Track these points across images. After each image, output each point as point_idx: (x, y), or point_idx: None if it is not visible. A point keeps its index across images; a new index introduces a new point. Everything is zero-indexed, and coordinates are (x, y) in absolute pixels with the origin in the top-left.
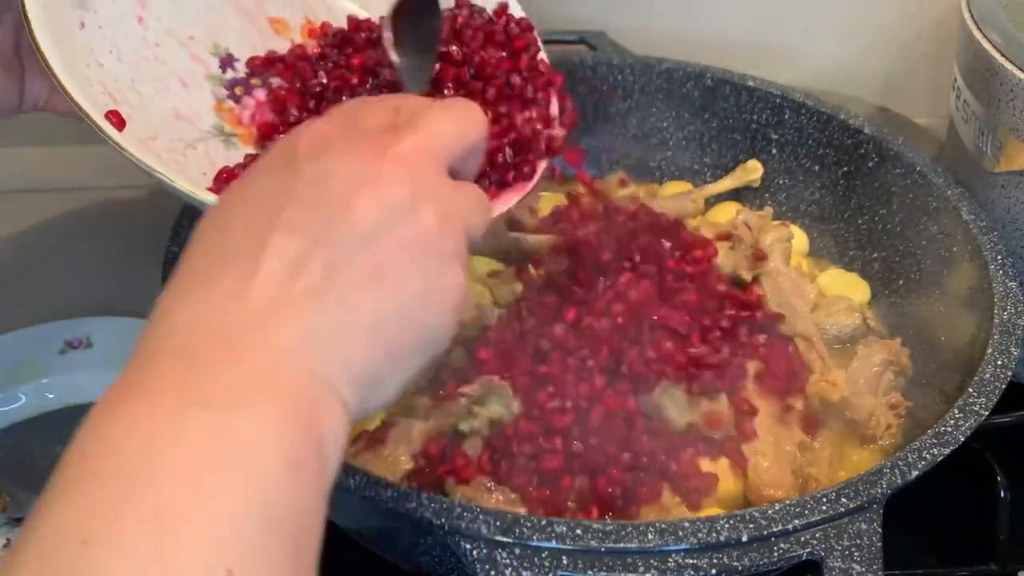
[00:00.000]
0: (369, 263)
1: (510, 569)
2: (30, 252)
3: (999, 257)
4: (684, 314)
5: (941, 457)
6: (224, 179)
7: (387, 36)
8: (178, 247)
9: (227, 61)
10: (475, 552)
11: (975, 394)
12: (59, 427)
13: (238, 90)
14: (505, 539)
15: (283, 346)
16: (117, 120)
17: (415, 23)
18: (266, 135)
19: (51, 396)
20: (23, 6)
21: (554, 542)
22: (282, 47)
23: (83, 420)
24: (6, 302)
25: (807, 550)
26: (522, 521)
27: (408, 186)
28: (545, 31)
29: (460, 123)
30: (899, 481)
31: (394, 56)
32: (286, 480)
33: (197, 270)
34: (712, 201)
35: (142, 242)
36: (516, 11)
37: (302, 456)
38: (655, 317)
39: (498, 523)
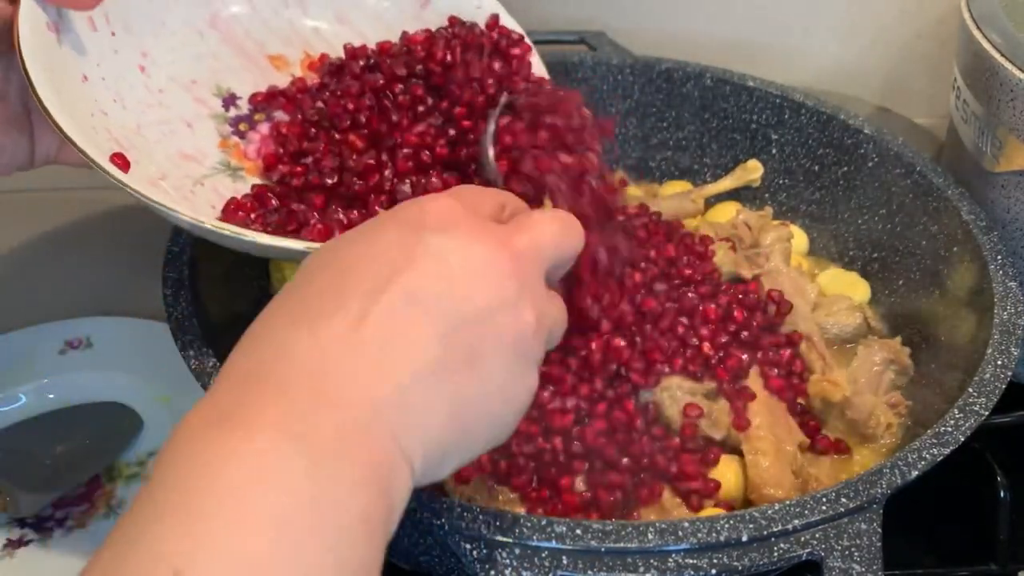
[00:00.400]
0: (468, 344)
1: (510, 569)
2: (30, 252)
3: (999, 257)
4: (685, 315)
5: (941, 457)
6: (233, 210)
7: (490, 129)
8: (178, 247)
9: (230, 100)
10: (475, 552)
11: (975, 394)
12: (59, 427)
13: (242, 126)
14: (505, 539)
15: (377, 403)
16: (122, 162)
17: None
18: (271, 166)
19: (51, 396)
20: (23, 64)
21: (554, 542)
22: (283, 82)
23: (176, 431)
24: (6, 302)
25: (807, 550)
26: (522, 521)
27: (517, 283)
28: (545, 31)
29: (563, 235)
30: (899, 481)
31: (491, 153)
32: (361, 537)
33: (307, 302)
34: (712, 201)
35: (142, 242)
36: (508, 23)
37: (376, 515)
38: (655, 317)
39: (498, 523)
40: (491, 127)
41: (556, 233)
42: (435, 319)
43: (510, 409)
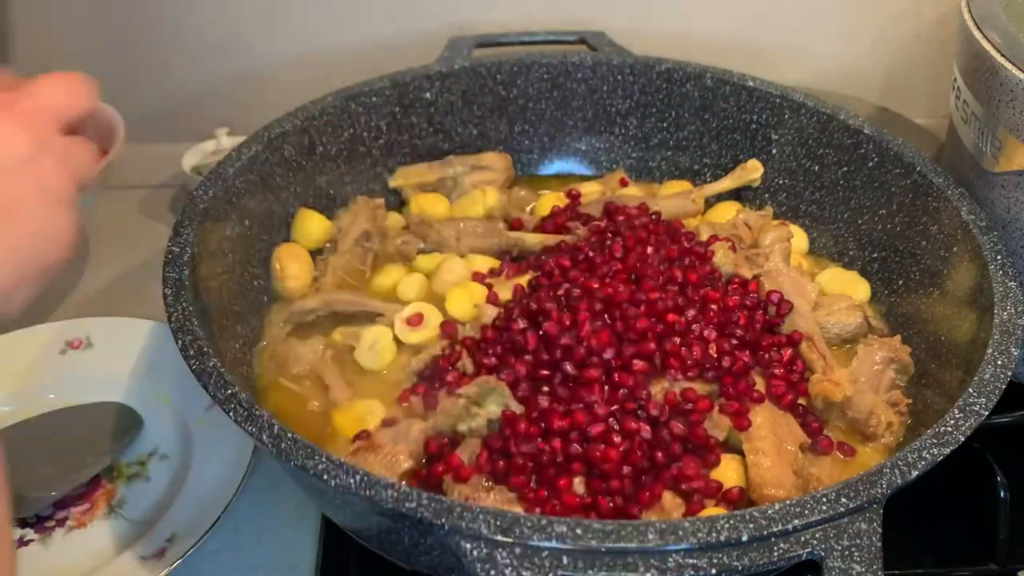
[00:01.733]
0: (3, 199)
1: (510, 569)
2: None
3: (999, 257)
4: (685, 316)
5: (941, 457)
6: None
7: None
8: (178, 247)
9: None
10: (475, 552)
11: (975, 394)
12: (59, 427)
13: None
14: (505, 539)
15: None
16: None
17: None
18: None
19: (51, 396)
20: None
21: (554, 542)
22: None
23: None
24: None
25: (807, 550)
26: (522, 521)
27: (29, 139)
28: (545, 31)
29: (70, 95)
30: (899, 481)
31: None
32: None
33: None
34: (712, 201)
35: (142, 242)
36: None
37: None
38: (656, 318)
39: (498, 523)
40: None
41: (62, 95)
42: None
43: (55, 246)
